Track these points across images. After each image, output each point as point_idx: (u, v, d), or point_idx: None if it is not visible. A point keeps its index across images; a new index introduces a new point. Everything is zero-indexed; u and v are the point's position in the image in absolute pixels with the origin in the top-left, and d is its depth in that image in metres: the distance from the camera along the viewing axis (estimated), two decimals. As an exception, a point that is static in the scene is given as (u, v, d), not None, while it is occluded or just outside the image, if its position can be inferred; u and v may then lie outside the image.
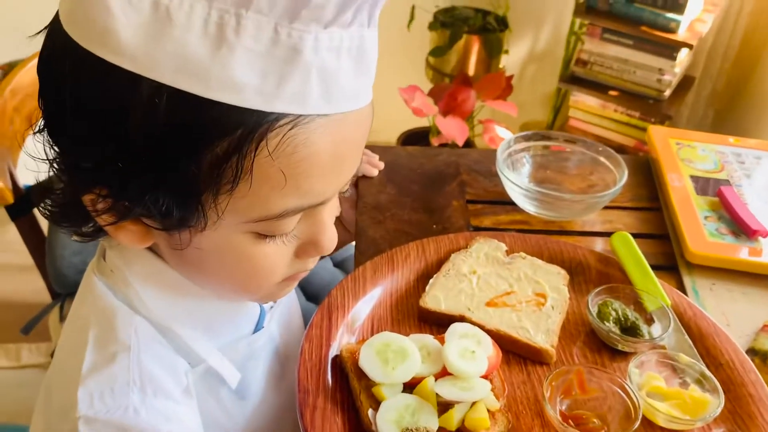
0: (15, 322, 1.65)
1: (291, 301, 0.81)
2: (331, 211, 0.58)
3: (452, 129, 2.05)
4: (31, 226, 1.21)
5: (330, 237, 0.57)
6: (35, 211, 1.21)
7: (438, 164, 1.06)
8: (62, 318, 1.26)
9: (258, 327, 0.69)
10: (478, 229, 0.93)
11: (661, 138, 1.08)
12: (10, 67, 1.26)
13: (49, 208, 0.54)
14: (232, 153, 0.45)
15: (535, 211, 0.94)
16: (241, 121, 0.44)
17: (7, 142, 1.14)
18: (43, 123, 0.50)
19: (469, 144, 2.33)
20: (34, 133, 0.51)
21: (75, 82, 0.46)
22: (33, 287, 1.80)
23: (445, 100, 2.13)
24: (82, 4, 0.43)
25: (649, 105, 1.97)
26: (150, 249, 0.57)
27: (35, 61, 1.09)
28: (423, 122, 2.29)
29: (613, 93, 2.01)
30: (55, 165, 0.51)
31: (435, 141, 2.22)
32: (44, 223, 1.23)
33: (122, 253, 0.58)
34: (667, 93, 1.94)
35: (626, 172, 0.92)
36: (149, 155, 0.45)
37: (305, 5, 0.43)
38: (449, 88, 2.14)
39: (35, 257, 1.25)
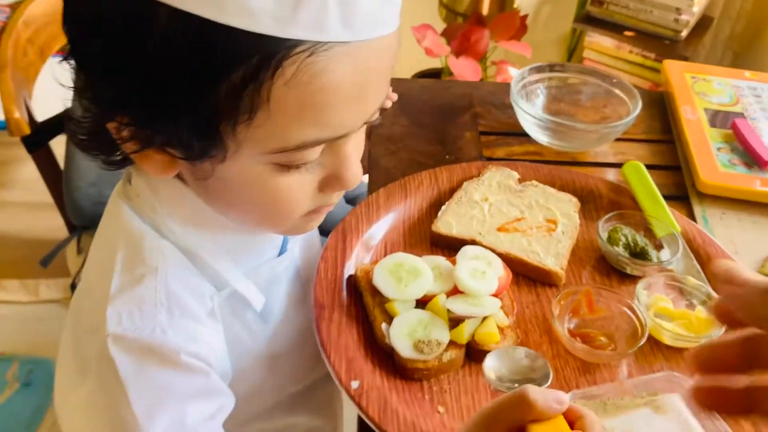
0: (33, 258, 1.68)
1: None
2: (356, 145, 0.56)
3: (465, 70, 2.03)
4: (48, 160, 1.22)
5: (354, 172, 0.56)
6: (51, 144, 1.22)
7: (451, 97, 1.06)
8: (79, 251, 1.29)
9: (281, 251, 0.69)
10: (490, 159, 0.94)
11: (677, 71, 1.08)
12: (17, 5, 1.25)
13: (79, 136, 0.54)
14: (249, 81, 0.45)
15: (548, 142, 0.94)
16: (256, 47, 0.44)
17: (22, 73, 1.14)
18: (68, 51, 0.50)
19: (481, 86, 2.31)
20: (60, 61, 0.51)
21: (97, 6, 0.46)
22: (49, 224, 1.83)
23: (458, 41, 2.10)
24: None
25: (665, 46, 1.94)
26: (176, 176, 0.57)
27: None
28: (436, 63, 2.27)
29: (628, 33, 1.97)
30: (80, 93, 0.51)
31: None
32: (61, 157, 1.24)
33: (148, 179, 0.59)
34: (684, 33, 1.91)
35: (640, 103, 0.92)
36: (168, 82, 0.45)
37: None
38: (462, 28, 2.10)
39: (52, 191, 1.26)
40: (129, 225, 0.58)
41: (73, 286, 1.23)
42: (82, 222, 1.24)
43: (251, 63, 0.44)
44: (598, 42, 2.08)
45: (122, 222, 0.58)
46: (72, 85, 0.51)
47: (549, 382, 0.58)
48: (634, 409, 0.58)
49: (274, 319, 0.68)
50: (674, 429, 0.56)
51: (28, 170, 1.26)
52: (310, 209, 0.58)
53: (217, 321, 0.61)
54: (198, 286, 0.60)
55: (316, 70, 0.45)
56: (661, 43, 1.94)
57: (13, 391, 1.59)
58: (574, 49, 2.31)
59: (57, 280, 1.83)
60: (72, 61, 0.50)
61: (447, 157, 0.93)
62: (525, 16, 2.16)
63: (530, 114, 0.91)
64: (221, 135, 0.48)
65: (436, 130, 0.98)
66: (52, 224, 1.44)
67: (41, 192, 1.28)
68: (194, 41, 0.43)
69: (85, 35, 0.48)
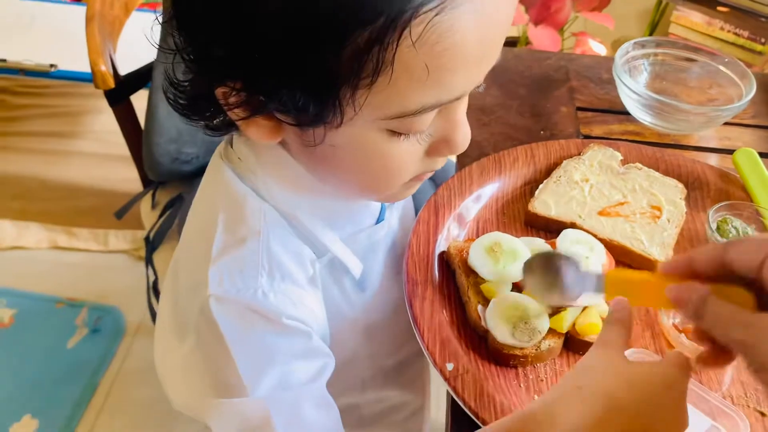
0: (104, 209, 1.72)
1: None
2: (465, 106, 0.55)
3: (544, 40, 1.96)
4: (128, 114, 1.22)
5: (464, 133, 0.54)
6: (132, 98, 1.22)
7: (546, 68, 1.01)
8: (154, 206, 1.30)
9: (379, 219, 0.68)
10: (588, 137, 0.89)
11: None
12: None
13: (180, 100, 0.52)
14: (374, 43, 0.42)
15: (650, 122, 0.89)
16: (382, 7, 0.41)
17: (108, 26, 1.14)
18: (172, 11, 0.48)
19: (557, 58, 2.23)
20: (162, 23, 0.49)
21: None
22: (123, 176, 1.86)
23: (538, 9, 2.03)
24: None
25: (761, 24, 1.83)
26: (281, 142, 0.56)
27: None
28: (512, 31, 2.20)
29: (722, 9, 1.87)
30: (184, 56, 0.49)
31: (523, 52, 2.13)
32: (141, 111, 1.25)
33: (250, 142, 0.58)
34: (784, 11, 1.80)
35: (755, 85, 0.86)
36: (287, 45, 0.43)
37: None
38: (543, -4, 2.03)
39: (130, 145, 1.27)
40: (231, 187, 0.57)
41: (147, 239, 1.25)
42: (159, 177, 1.25)
43: (377, 24, 0.41)
44: (687, 17, 1.97)
45: (224, 183, 0.58)
46: (169, 46, 0.49)
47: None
48: None
49: (370, 288, 0.67)
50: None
51: (104, 122, 1.27)
52: (414, 175, 0.56)
53: (317, 287, 0.60)
54: (299, 252, 0.59)
55: (444, 29, 0.43)
56: (758, 21, 1.83)
57: (83, 336, 1.64)
58: (657, 24, 2.21)
59: (126, 232, 1.86)
60: (174, 22, 0.47)
61: (542, 132, 0.89)
62: (610, -13, 2.07)
63: (633, 90, 0.86)
64: (339, 100, 0.45)
65: (530, 103, 0.94)
66: (125, 176, 1.45)
67: (115, 144, 1.29)
68: (316, 1, 0.41)
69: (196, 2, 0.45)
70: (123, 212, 1.36)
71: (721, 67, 0.92)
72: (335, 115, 0.46)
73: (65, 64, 2.05)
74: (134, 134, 1.25)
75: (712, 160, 0.87)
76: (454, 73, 0.46)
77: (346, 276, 0.64)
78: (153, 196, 1.30)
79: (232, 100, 0.47)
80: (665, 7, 2.11)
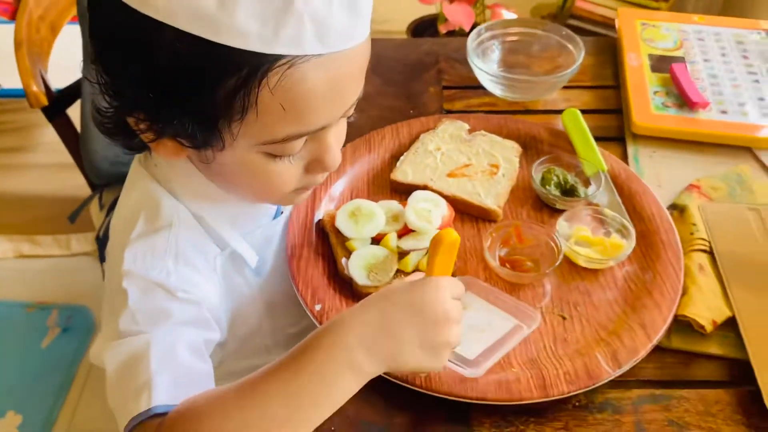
0: (62, 215, 1.84)
1: None
2: (336, 134, 0.66)
3: (458, 15, 2.09)
4: (66, 125, 1.34)
5: (333, 157, 0.66)
6: (68, 112, 1.34)
7: (420, 54, 1.17)
8: (101, 206, 1.41)
9: (276, 215, 0.82)
10: (450, 112, 1.05)
11: (628, 19, 1.17)
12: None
13: (104, 124, 0.64)
14: (239, 88, 0.55)
15: (501, 94, 1.05)
16: (245, 62, 0.54)
17: (36, 48, 1.26)
18: (92, 54, 0.60)
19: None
20: (90, 63, 0.61)
21: (112, 23, 0.57)
22: (75, 183, 1.98)
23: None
24: None
25: (650, -16, 1.98)
26: (188, 158, 0.69)
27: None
28: (430, 9, 2.33)
29: (617, -28, 2.02)
30: (103, 89, 0.61)
31: (443, 28, 2.26)
32: (78, 122, 1.37)
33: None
34: (668, -29, 1.95)
35: (583, 53, 1.02)
36: (174, 87, 0.56)
37: None
38: (455, -25, 2.16)
39: (73, 154, 1.39)
40: (151, 189, 0.70)
41: (97, 239, 1.37)
42: (102, 180, 1.36)
43: (241, 74, 0.55)
44: (588, -17, 2.12)
45: (145, 187, 0.71)
46: (93, 77, 0.61)
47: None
48: None
49: (267, 272, 0.81)
50: (483, 314, 0.73)
51: (53, 133, 1.38)
52: (297, 187, 0.69)
53: (215, 275, 0.73)
54: (203, 245, 0.72)
55: (296, 79, 0.56)
56: (647, -18, 1.99)
57: (55, 335, 1.76)
58: (569, -12, 2.35)
59: (87, 234, 1.97)
60: (95, 61, 0.60)
61: (411, 111, 1.05)
62: (516, -40, 2.20)
63: (483, 70, 1.02)
64: (219, 130, 0.59)
65: (405, 87, 1.09)
66: (79, 183, 1.57)
67: (65, 153, 1.41)
68: (194, 55, 0.54)
69: (106, 47, 0.59)
70: (75, 216, 1.48)
71: (561, 39, 1.07)
72: (218, 141, 0.60)
73: (9, 82, 2.16)
74: (75, 143, 1.37)
75: (558, 120, 1.02)
76: (309, 111, 0.59)
77: (245, 265, 0.77)
78: (100, 198, 1.42)
79: (140, 126, 0.61)
80: (574, -26, 2.24)
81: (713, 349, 0.73)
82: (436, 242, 0.62)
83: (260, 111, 0.57)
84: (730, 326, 0.74)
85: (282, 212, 0.83)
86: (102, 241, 1.34)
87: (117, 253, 0.68)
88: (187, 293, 0.66)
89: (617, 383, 0.70)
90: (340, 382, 0.57)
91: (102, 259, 1.34)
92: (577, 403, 0.69)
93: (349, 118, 0.67)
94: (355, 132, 1.00)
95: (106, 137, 0.65)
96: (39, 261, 1.95)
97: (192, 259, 0.70)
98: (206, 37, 0.53)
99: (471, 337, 0.70)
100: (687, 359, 0.73)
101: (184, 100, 0.57)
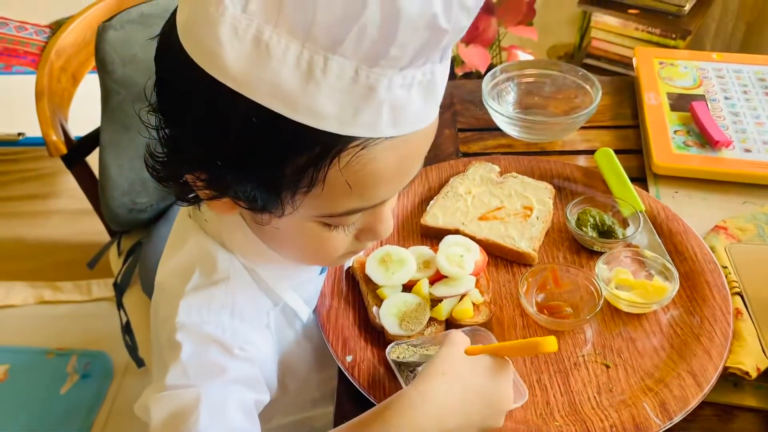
0: (83, 260, 1.84)
1: None
2: (391, 204, 0.66)
3: (474, 58, 2.10)
4: (86, 173, 1.34)
5: (386, 227, 0.65)
6: (87, 159, 1.34)
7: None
8: (120, 253, 1.41)
9: (323, 270, 0.81)
10: (467, 154, 1.03)
11: (646, 58, 1.15)
12: (58, 26, 1.37)
13: (158, 172, 0.62)
14: (310, 165, 0.53)
15: (518, 135, 1.03)
16: (319, 140, 0.52)
17: (57, 99, 1.27)
18: (156, 104, 0.58)
19: (494, 71, 2.37)
20: (149, 112, 0.59)
21: (184, 84, 0.54)
22: (95, 229, 1.98)
23: (468, 29, 2.17)
24: (196, 26, 0.50)
25: (669, 21, 1.98)
26: (240, 214, 0.68)
27: (77, 21, 1.20)
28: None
29: (632, 11, 2.02)
30: (162, 140, 0.59)
31: (459, 70, 2.27)
32: (97, 169, 1.37)
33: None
34: (687, 8, 1.95)
35: (600, 93, 1.01)
36: (241, 158, 0.54)
37: (384, 56, 0.49)
38: (471, 17, 2.17)
39: (92, 200, 1.39)
40: (205, 243, 0.69)
41: (115, 285, 1.36)
42: (120, 227, 1.36)
43: (314, 152, 0.53)
44: (605, 21, 2.13)
45: (198, 240, 0.70)
46: (155, 127, 0.59)
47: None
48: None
49: (313, 325, 0.79)
50: None
51: (72, 180, 1.39)
52: (345, 253, 0.68)
53: (269, 332, 0.72)
54: (258, 300, 0.71)
55: (367, 160, 0.54)
56: (665, 18, 1.99)
57: (74, 382, 1.75)
58: (586, 30, 2.36)
59: (108, 280, 1.97)
60: (159, 112, 0.58)
61: (427, 155, 1.02)
62: (532, 0, 2.22)
63: (498, 111, 1.01)
64: (281, 199, 0.57)
65: None
66: (97, 229, 1.57)
67: (85, 200, 1.41)
68: (267, 130, 0.52)
69: (172, 100, 0.57)
70: (94, 262, 1.48)
71: (577, 80, 1.06)
72: (278, 208, 0.58)
73: (33, 131, 2.18)
74: (94, 190, 1.36)
75: (581, 161, 1.00)
76: (376, 188, 0.58)
77: (296, 319, 0.76)
78: (118, 244, 1.42)
79: (199, 183, 0.59)
80: (590, 14, 2.25)
81: (748, 401, 0.69)
82: (533, 345, 0.63)
83: (326, 187, 0.55)
84: (765, 377, 0.70)
85: (328, 267, 0.82)
86: (119, 287, 1.34)
87: (168, 305, 0.66)
88: (242, 350, 0.65)
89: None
90: None
91: (119, 305, 1.33)
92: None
93: (404, 188, 0.65)
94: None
95: (157, 183, 0.63)
96: (59, 306, 1.95)
97: (247, 314, 0.68)
98: (284, 114, 0.50)
99: None
100: (721, 411, 0.69)
101: (252, 169, 0.55)
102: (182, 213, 0.74)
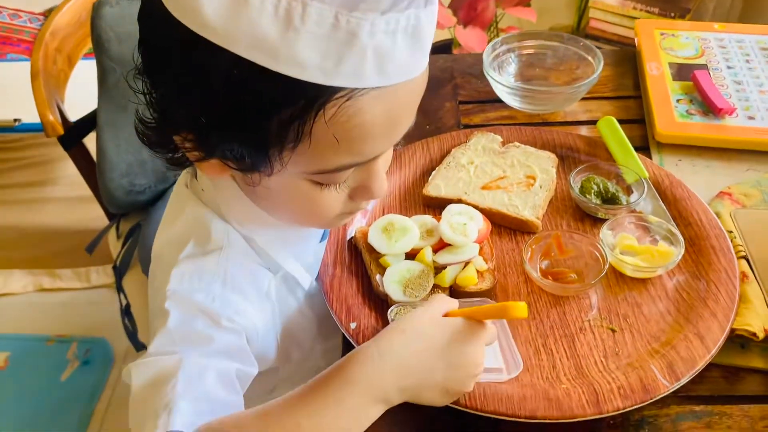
0: (82, 247, 1.83)
1: None
2: (384, 162, 0.65)
3: (471, 40, 2.08)
4: (83, 156, 1.33)
5: (380, 185, 0.64)
6: (85, 141, 1.33)
7: (434, 70, 1.14)
8: (119, 236, 1.40)
9: (324, 237, 0.80)
10: (468, 126, 1.02)
11: (647, 29, 1.14)
12: (50, 12, 1.36)
13: (147, 136, 0.62)
14: (295, 119, 0.53)
15: (519, 106, 1.02)
16: (303, 92, 0.51)
17: (53, 80, 1.25)
18: (142, 66, 0.58)
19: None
20: (136, 75, 0.59)
21: (166, 42, 0.54)
22: (95, 215, 1.97)
23: (465, 10, 2.15)
24: None
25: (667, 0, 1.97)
26: (233, 178, 0.67)
27: (70, 3, 1.19)
28: (444, 34, 2.33)
29: (631, -11, 2.01)
30: (151, 104, 0.59)
31: (456, 52, 2.26)
32: (94, 152, 1.36)
33: (212, 178, 0.68)
34: (686, -15, 1.94)
35: (602, 63, 1.00)
36: (226, 114, 0.53)
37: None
38: (468, -2, 2.16)
39: (89, 184, 1.38)
40: (200, 213, 0.69)
41: (114, 268, 1.35)
42: (118, 210, 1.35)
43: (298, 105, 0.52)
44: (603, 1, 2.11)
45: (193, 210, 0.69)
46: (143, 92, 0.59)
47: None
48: None
49: (316, 294, 0.78)
50: None
51: (70, 167, 1.38)
52: (342, 213, 0.67)
53: (269, 301, 0.71)
54: (255, 271, 0.70)
55: (353, 111, 0.53)
56: (664, -3, 1.97)
57: (74, 368, 1.75)
58: (584, 10, 2.34)
59: (107, 267, 1.97)
60: (145, 75, 0.58)
61: (427, 126, 1.02)
62: (530, -19, 2.20)
63: (500, 82, 1.00)
64: (269, 156, 0.56)
65: (421, 103, 1.06)
66: (96, 215, 1.56)
67: (84, 186, 1.40)
68: (250, 83, 0.51)
69: (157, 62, 0.56)
70: (93, 246, 1.47)
71: (578, 50, 1.05)
72: (266, 166, 0.57)
73: (30, 117, 2.17)
74: (91, 173, 1.35)
75: (583, 131, 0.99)
76: (364, 143, 0.57)
77: (298, 287, 0.75)
78: (117, 227, 1.41)
79: (187, 144, 0.58)
80: (587, -7, 2.24)
81: (756, 362, 0.69)
82: (502, 309, 0.62)
83: (313, 141, 0.54)
84: None
85: (328, 235, 0.81)
86: (119, 270, 1.33)
87: (162, 274, 0.66)
88: (231, 321, 0.65)
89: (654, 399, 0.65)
90: (372, 415, 0.58)
91: (119, 288, 1.33)
92: (612, 422, 0.65)
93: (396, 146, 0.65)
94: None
95: (147, 148, 0.63)
96: (59, 294, 1.94)
97: (241, 285, 0.68)
98: (265, 65, 0.50)
99: None
100: (728, 373, 0.69)
101: (237, 126, 0.54)
102: (179, 183, 0.74)
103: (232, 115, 0.53)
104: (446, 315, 0.63)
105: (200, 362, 0.60)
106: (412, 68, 0.54)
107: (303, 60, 0.50)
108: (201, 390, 0.58)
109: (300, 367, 0.79)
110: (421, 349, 0.60)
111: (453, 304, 0.65)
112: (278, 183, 0.60)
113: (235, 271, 0.67)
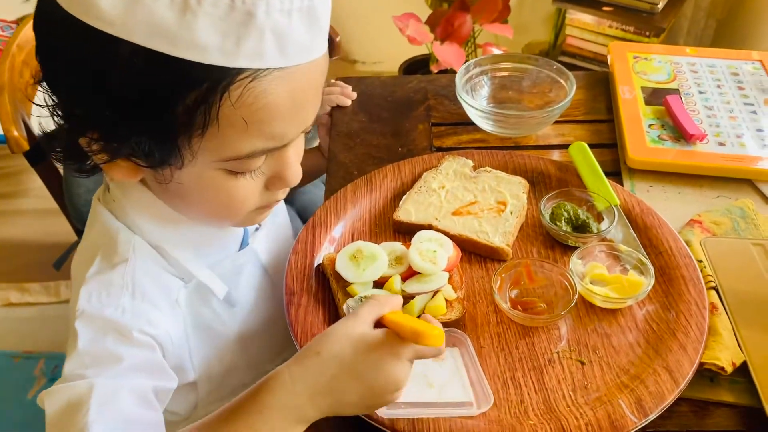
0: (51, 261, 1.79)
1: (280, 221, 0.90)
2: (296, 149, 0.65)
3: (448, 55, 2.08)
4: (51, 171, 1.31)
5: (294, 172, 0.65)
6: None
7: (408, 91, 1.13)
8: (88, 252, 1.38)
9: (242, 246, 0.78)
10: (440, 149, 1.01)
11: (620, 53, 1.14)
12: (21, 19, 1.34)
13: (57, 150, 0.62)
14: (200, 103, 0.53)
15: (491, 130, 1.02)
16: (206, 76, 0.52)
17: (18, 94, 1.22)
18: (41, 75, 0.58)
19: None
20: (35, 83, 0.59)
21: (63, 41, 0.54)
22: (63, 229, 1.94)
23: (442, 26, 2.15)
24: None
25: (642, 18, 1.98)
26: (144, 183, 0.67)
27: (36, 16, 1.14)
28: (424, 50, 2.33)
29: (606, 9, 2.02)
30: (55, 112, 0.59)
31: (434, 68, 2.25)
32: (62, 167, 1.33)
33: (121, 186, 0.68)
34: (660, 5, 1.95)
35: (574, 87, 0.99)
36: (130, 105, 0.53)
37: None
38: (446, 14, 2.16)
39: (57, 199, 1.35)
40: (107, 225, 0.68)
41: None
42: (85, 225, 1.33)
43: (202, 89, 0.53)
44: (579, 18, 2.13)
45: (102, 223, 0.68)
46: (46, 104, 0.59)
47: None
48: None
49: (241, 306, 0.77)
50: (446, 373, 0.67)
51: (37, 181, 1.35)
52: (258, 206, 0.67)
53: (178, 310, 0.70)
54: (164, 279, 0.69)
55: (258, 92, 0.54)
56: (639, 16, 1.99)
57: (41, 385, 1.70)
58: (561, 28, 2.36)
59: (75, 281, 1.93)
60: (45, 85, 0.58)
61: (399, 149, 1.01)
62: (507, -2, 2.21)
63: (472, 106, 0.99)
64: (178, 146, 0.56)
65: (393, 124, 1.05)
66: (66, 229, 1.54)
67: (50, 198, 1.37)
68: (152, 71, 0.51)
69: (55, 66, 0.56)
70: (60, 263, 1.43)
71: (552, 73, 1.04)
72: (176, 158, 0.57)
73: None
74: (59, 188, 1.33)
75: (555, 155, 0.99)
76: (274, 125, 0.57)
77: (213, 297, 0.74)
78: (85, 244, 1.38)
79: (93, 147, 0.58)
80: (564, 11, 2.25)
81: (724, 396, 0.68)
82: (418, 333, 0.58)
83: (222, 126, 0.55)
84: (740, 371, 0.69)
85: (249, 243, 0.79)
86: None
87: (74, 294, 0.65)
88: (142, 333, 0.64)
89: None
90: None
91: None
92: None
93: (307, 134, 0.66)
94: (341, 169, 0.97)
95: (58, 162, 0.64)
96: (27, 309, 1.90)
97: (150, 294, 0.67)
98: (165, 52, 0.51)
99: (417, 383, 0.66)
100: (696, 407, 0.68)
101: (141, 117, 0.54)
102: (93, 200, 0.73)
103: (136, 105, 0.53)
104: (380, 320, 0.61)
105: (112, 384, 0.59)
106: (312, 49, 0.57)
107: (203, 43, 0.51)
108: (116, 412, 0.58)
109: (223, 382, 0.77)
110: (336, 373, 0.58)
111: (394, 302, 0.63)
112: (191, 176, 0.60)
113: (143, 280, 0.66)
